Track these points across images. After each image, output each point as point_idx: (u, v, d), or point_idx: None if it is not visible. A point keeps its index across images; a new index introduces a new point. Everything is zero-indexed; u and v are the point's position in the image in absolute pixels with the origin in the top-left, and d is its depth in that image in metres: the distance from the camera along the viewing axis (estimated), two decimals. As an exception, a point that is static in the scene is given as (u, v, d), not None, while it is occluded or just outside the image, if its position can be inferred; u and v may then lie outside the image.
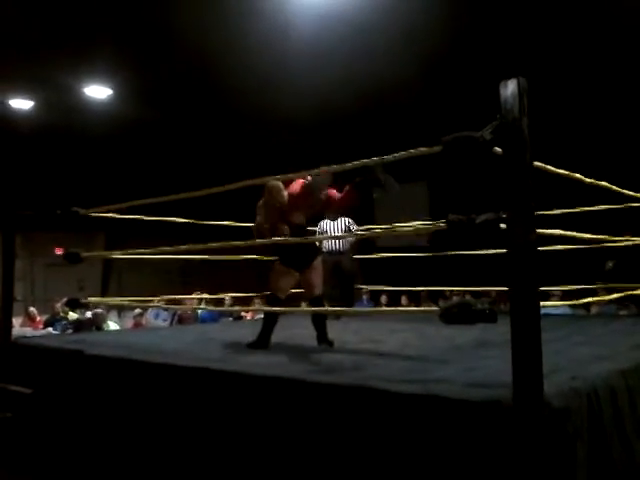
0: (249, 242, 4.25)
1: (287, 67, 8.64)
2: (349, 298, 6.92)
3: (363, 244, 12.05)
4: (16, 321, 8.22)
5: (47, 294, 14.80)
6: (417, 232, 7.33)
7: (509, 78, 2.45)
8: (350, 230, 6.77)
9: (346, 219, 6.82)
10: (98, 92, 10.15)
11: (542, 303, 2.48)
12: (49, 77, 9.38)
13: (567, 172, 3.41)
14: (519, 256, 2.37)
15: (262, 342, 4.29)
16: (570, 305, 6.13)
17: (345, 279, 6.79)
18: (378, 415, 2.64)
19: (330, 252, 6.62)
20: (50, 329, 9.48)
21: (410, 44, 7.91)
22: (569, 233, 3.32)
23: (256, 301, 9.30)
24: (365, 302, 10.54)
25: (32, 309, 10.86)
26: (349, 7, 7.32)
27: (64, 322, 9.46)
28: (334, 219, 6.76)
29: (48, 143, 12.01)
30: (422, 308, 7.58)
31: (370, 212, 13.26)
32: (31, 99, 10.47)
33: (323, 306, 4.48)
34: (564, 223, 3.61)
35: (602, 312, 7.76)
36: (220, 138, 12.13)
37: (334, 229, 6.72)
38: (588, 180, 3.75)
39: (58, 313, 9.99)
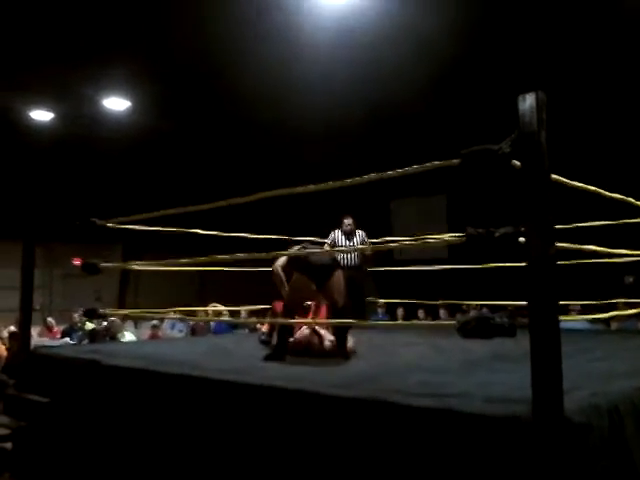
0: (266, 254, 4.26)
1: (301, 80, 8.70)
2: (361, 312, 6.85)
3: (380, 257, 12.05)
4: (34, 330, 8.29)
5: (65, 304, 14.95)
6: (435, 245, 7.24)
7: (526, 90, 2.44)
8: (365, 244, 6.68)
9: (361, 233, 6.76)
10: (117, 104, 10.28)
11: (561, 317, 2.45)
12: (69, 89, 9.52)
13: (585, 185, 3.39)
14: (538, 270, 2.34)
15: (278, 353, 4.28)
16: (590, 320, 6.06)
17: (356, 293, 6.64)
18: (393, 429, 2.61)
19: (343, 266, 6.60)
20: (67, 339, 9.55)
21: (424, 56, 7.93)
22: (588, 247, 3.29)
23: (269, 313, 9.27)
24: (381, 315, 10.49)
25: (50, 319, 10.97)
26: (362, 21, 7.37)
27: (81, 332, 9.53)
28: (349, 233, 6.70)
29: (67, 154, 12.16)
30: (439, 322, 7.55)
31: (387, 224, 13.25)
32: (51, 111, 10.62)
33: (347, 318, 4.44)
34: (583, 237, 3.58)
35: (622, 327, 7.64)
36: (236, 150, 12.21)
37: (349, 244, 6.65)
38: (607, 194, 3.72)
39: (76, 323, 10.06)
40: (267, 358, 4.23)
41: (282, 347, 4.31)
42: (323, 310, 5.02)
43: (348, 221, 6.82)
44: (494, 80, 8.48)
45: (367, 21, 7.34)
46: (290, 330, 4.40)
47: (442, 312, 10.21)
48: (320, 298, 4.55)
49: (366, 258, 6.86)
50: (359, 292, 6.75)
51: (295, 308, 4.44)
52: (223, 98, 9.77)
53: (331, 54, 7.98)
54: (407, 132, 10.62)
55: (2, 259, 13.10)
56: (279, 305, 4.97)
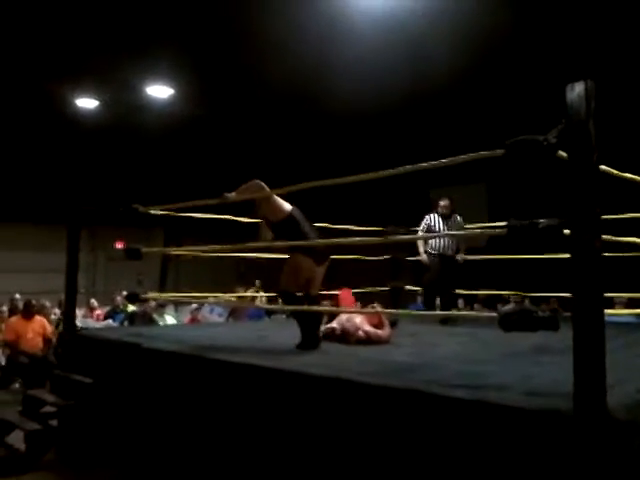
0: (303, 242, 4.27)
1: (339, 67, 8.62)
2: (449, 305, 6.51)
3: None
4: (78, 312, 8.52)
5: (108, 286, 15.31)
6: (478, 235, 6.99)
7: (574, 80, 2.38)
8: (464, 229, 6.22)
9: (458, 217, 6.31)
10: (160, 92, 10.40)
11: (606, 311, 2.39)
12: (114, 77, 9.67)
13: (635, 176, 3.30)
14: (583, 262, 2.29)
15: (312, 341, 4.24)
16: (636, 314, 5.91)
17: (451, 283, 6.33)
18: (431, 420, 2.61)
19: (441, 254, 6.20)
20: (110, 321, 9.78)
21: (467, 41, 7.77)
22: (635, 239, 3.20)
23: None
24: (420, 304, 10.42)
25: (93, 301, 11.24)
26: (403, 10, 7.27)
27: (123, 315, 9.75)
28: (446, 216, 6.24)
29: (112, 141, 12.38)
30: (481, 313, 7.46)
31: (427, 212, 13.14)
32: (96, 98, 10.81)
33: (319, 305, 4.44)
34: (631, 228, 3.49)
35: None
36: (275, 138, 12.24)
37: (445, 227, 6.19)
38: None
39: (118, 306, 10.30)
40: (299, 347, 4.23)
41: (311, 336, 4.24)
42: (347, 292, 4.97)
43: (444, 203, 6.35)
44: (540, 67, 8.28)
45: (407, 10, 7.25)
46: (318, 318, 4.39)
47: (476, 306, 10.08)
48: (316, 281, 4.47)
49: (461, 245, 6.34)
50: (453, 282, 6.38)
51: (294, 290, 4.34)
52: (263, 86, 9.79)
53: (369, 37, 7.89)
54: (447, 120, 10.47)
55: (48, 243, 13.50)
56: (346, 294, 4.96)
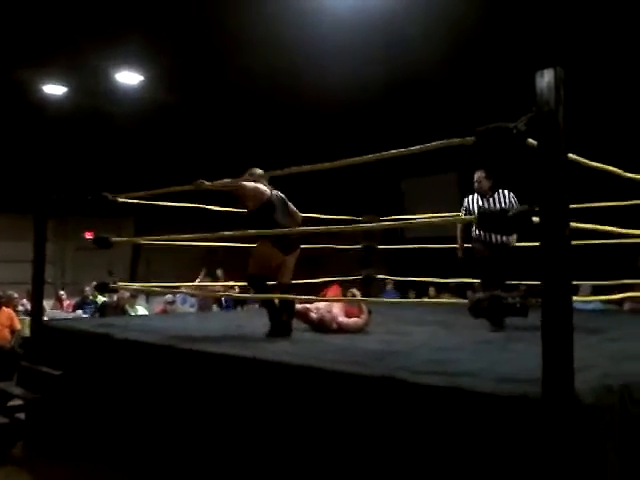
0: (276, 231, 4.26)
1: (318, 52, 8.56)
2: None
3: (392, 235, 11.98)
4: (47, 304, 8.38)
5: (77, 277, 15.06)
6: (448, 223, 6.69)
7: (545, 67, 2.39)
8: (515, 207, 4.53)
9: (507, 192, 4.94)
10: (130, 78, 10.23)
11: (574, 298, 2.43)
12: (82, 63, 9.47)
13: (602, 165, 3.34)
14: (552, 250, 2.32)
15: (282, 329, 4.27)
16: (602, 300, 6.01)
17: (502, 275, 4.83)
18: (402, 407, 2.62)
19: (483, 240, 4.84)
20: (80, 312, 9.64)
21: (441, 30, 7.78)
22: (602, 227, 3.25)
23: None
24: (391, 293, 10.50)
25: (62, 292, 11.07)
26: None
27: (93, 306, 9.62)
28: (484, 192, 4.95)
29: (80, 128, 12.16)
30: (450, 300, 7.53)
31: (400, 202, 13.18)
32: (64, 85, 10.59)
33: (290, 294, 4.46)
34: (597, 216, 3.53)
35: (635, 308, 7.60)
36: (247, 125, 12.13)
37: (487, 207, 4.84)
38: (625, 174, 3.66)
39: (87, 297, 10.15)
40: (269, 335, 4.24)
41: (281, 324, 4.29)
42: (335, 289, 5.01)
43: (477, 175, 5.02)
44: (511, 55, 8.33)
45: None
46: (290, 306, 4.39)
47: (431, 290, 9.95)
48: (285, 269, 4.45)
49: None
50: (505, 273, 4.88)
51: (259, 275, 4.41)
52: (236, 71, 9.69)
53: (343, 25, 7.84)
54: (419, 111, 10.49)
55: (15, 233, 13.22)
56: (335, 292, 4.96)
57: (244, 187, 4.38)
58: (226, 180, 4.47)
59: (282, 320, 4.29)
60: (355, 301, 4.84)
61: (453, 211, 6.45)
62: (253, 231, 4.37)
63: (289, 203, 4.60)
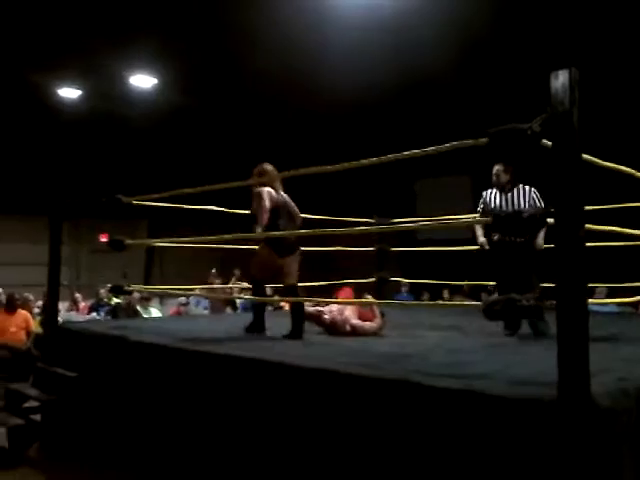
0: (287, 232, 4.26)
1: (331, 55, 8.57)
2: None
3: (405, 237, 11.94)
4: (62, 306, 8.44)
5: (92, 279, 15.15)
6: (461, 225, 6.61)
7: (560, 68, 2.37)
8: (537, 204, 4.43)
9: (528, 188, 4.56)
10: (143, 81, 10.29)
11: (589, 300, 2.40)
12: (96, 67, 9.55)
13: (617, 166, 3.31)
14: (567, 252, 2.30)
15: (258, 326, 4.47)
16: (618, 303, 5.95)
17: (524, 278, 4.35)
18: (417, 410, 2.61)
19: (501, 239, 4.47)
20: (94, 314, 9.70)
21: (453, 31, 7.76)
22: (618, 229, 3.22)
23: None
24: (405, 295, 10.46)
25: (77, 294, 11.14)
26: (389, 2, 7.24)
27: (107, 308, 9.67)
28: (502, 187, 4.62)
29: (95, 131, 12.25)
30: (464, 302, 7.49)
31: (412, 204, 13.14)
32: (79, 88, 10.68)
33: (298, 296, 4.54)
34: (614, 218, 3.50)
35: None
36: (261, 127, 12.16)
37: (505, 204, 4.53)
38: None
39: (102, 299, 10.21)
40: (248, 330, 4.48)
41: (260, 319, 4.49)
42: (348, 292, 5.02)
43: (496, 169, 4.68)
44: (525, 56, 8.29)
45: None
46: (300, 309, 4.43)
47: (445, 293, 9.98)
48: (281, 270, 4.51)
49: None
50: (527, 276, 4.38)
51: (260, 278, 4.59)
52: (249, 74, 9.72)
53: (355, 28, 7.84)
54: (432, 112, 10.46)
55: (31, 235, 13.34)
56: (347, 294, 5.02)
57: (265, 206, 4.34)
58: (263, 209, 4.36)
59: (297, 323, 4.33)
60: (368, 303, 4.83)
61: (466, 213, 6.42)
62: (258, 233, 4.35)
63: (292, 204, 4.62)
